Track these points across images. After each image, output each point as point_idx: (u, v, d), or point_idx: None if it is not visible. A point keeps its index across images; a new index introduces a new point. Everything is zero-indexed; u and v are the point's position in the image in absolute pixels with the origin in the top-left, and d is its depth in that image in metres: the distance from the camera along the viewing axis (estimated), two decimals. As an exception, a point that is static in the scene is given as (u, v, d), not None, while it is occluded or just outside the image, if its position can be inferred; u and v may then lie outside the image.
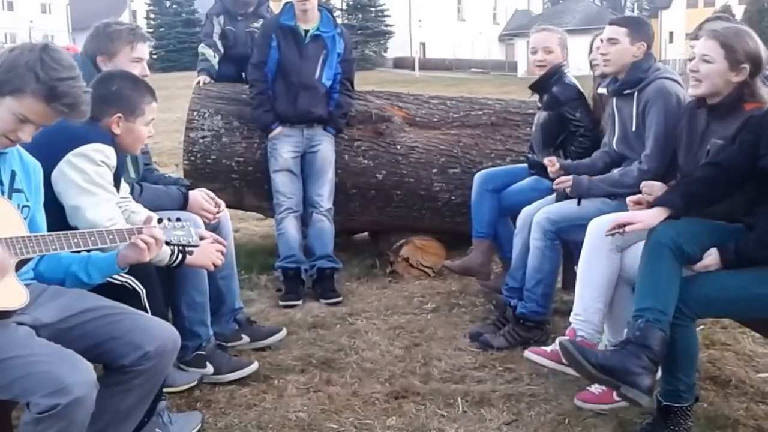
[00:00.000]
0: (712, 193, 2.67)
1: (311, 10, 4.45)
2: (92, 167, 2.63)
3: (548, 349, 3.14)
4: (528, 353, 3.17)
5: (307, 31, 4.43)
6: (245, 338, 3.60)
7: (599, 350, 2.74)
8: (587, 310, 2.95)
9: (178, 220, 2.55)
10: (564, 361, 2.74)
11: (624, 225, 2.65)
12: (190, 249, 2.63)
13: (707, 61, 2.80)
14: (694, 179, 2.74)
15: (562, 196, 3.56)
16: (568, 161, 3.71)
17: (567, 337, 2.80)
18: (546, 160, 3.64)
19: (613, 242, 2.87)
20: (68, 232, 2.23)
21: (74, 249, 2.22)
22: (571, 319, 3.02)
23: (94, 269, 2.36)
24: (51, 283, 2.38)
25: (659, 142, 3.22)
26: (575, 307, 3.01)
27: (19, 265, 2.17)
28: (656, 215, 2.62)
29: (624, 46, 3.37)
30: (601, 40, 3.48)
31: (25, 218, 2.23)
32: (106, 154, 2.67)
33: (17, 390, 1.99)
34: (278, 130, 4.48)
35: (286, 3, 4.54)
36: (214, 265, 2.90)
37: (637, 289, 2.59)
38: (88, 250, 2.32)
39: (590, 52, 3.99)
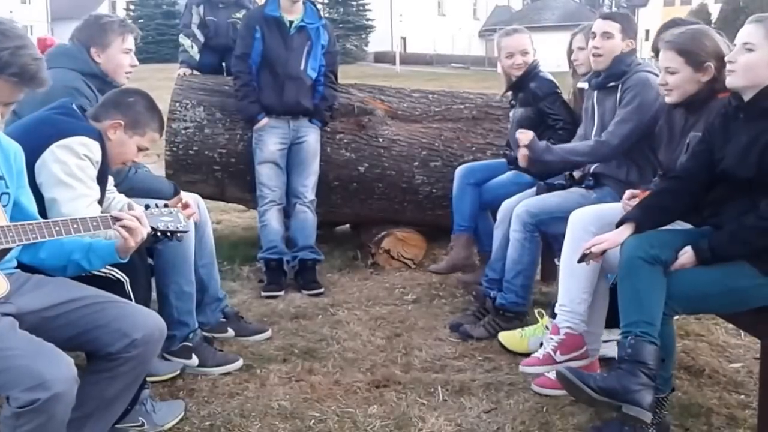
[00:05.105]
0: (672, 204, 2.72)
1: (300, 2, 4.44)
2: (74, 160, 2.60)
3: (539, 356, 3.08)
4: (523, 367, 3.09)
5: (291, 22, 4.42)
6: (230, 332, 3.62)
7: (596, 373, 2.72)
8: (573, 301, 2.98)
9: (165, 206, 2.54)
10: (562, 388, 2.70)
11: (590, 250, 2.70)
12: (179, 235, 2.55)
13: (671, 72, 2.85)
14: (655, 192, 2.81)
15: (543, 190, 3.61)
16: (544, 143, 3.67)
17: (566, 367, 2.71)
18: (518, 133, 3.56)
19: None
20: (49, 220, 2.22)
21: (55, 237, 2.20)
22: (556, 310, 3.04)
23: (96, 257, 2.36)
24: (53, 269, 2.38)
25: (625, 122, 3.30)
26: (560, 299, 3.03)
27: (1, 255, 2.16)
28: (620, 233, 2.66)
29: (616, 41, 3.43)
30: (593, 34, 3.49)
31: (5, 205, 2.21)
32: (91, 148, 2.65)
33: None
34: (264, 121, 4.47)
35: None
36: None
37: (620, 307, 2.60)
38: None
39: (569, 49, 3.97)
